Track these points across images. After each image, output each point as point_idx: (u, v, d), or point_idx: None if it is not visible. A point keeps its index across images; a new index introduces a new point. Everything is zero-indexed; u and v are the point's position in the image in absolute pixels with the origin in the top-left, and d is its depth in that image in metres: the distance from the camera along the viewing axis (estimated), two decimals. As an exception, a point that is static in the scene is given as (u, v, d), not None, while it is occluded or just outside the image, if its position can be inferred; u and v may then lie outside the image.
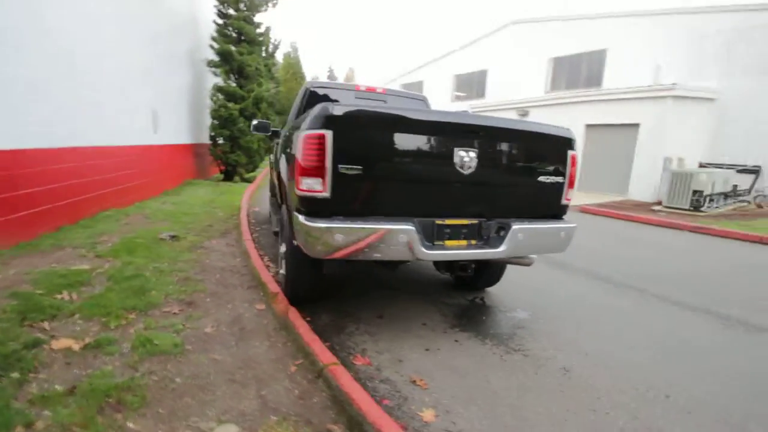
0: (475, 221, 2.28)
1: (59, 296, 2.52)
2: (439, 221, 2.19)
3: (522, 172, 2.35)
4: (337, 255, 1.95)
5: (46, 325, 2.14)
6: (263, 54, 10.47)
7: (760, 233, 6.64)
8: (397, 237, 2.01)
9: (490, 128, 2.22)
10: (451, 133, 2.14)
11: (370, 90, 4.00)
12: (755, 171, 11.61)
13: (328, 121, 1.92)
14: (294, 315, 2.43)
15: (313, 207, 2.01)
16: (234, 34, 9.12)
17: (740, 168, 11.38)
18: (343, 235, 1.93)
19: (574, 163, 2.46)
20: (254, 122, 5.22)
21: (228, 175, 9.87)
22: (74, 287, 2.69)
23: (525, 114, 16.22)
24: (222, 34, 8.95)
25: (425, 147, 2.11)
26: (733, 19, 12.06)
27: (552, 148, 2.39)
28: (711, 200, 9.46)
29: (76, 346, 1.96)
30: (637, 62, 14.28)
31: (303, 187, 2.00)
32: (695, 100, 11.77)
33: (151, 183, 6.76)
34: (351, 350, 2.28)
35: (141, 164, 6.32)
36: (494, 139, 2.23)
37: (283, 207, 2.84)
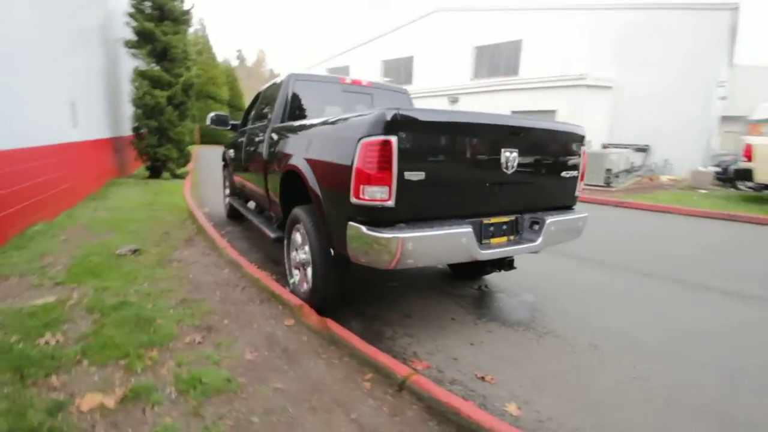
0: (512, 218, 2.39)
1: (44, 341, 2.07)
2: (485, 221, 2.24)
3: (551, 168, 2.50)
4: (404, 264, 1.90)
5: (54, 380, 1.75)
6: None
7: (664, 204, 8.03)
8: (460, 240, 2.01)
9: (529, 128, 2.31)
10: (500, 134, 2.19)
11: (356, 83, 3.85)
12: (645, 149, 13.71)
13: (393, 126, 1.82)
14: (336, 327, 2.31)
15: (376, 216, 1.92)
16: (153, 11, 7.98)
17: (635, 147, 13.33)
18: (413, 244, 1.87)
19: (584, 158, 2.69)
20: (212, 115, 4.73)
21: (155, 172, 8.79)
22: (54, 327, 2.22)
23: (455, 101, 16.97)
24: (139, 9, 7.77)
25: (479, 149, 2.13)
26: (623, 17, 13.84)
27: (571, 145, 2.58)
28: (617, 177, 10.98)
29: (110, 402, 1.64)
30: (548, 53, 15.73)
31: (365, 195, 1.88)
32: (599, 89, 13.41)
33: (74, 187, 5.75)
34: (403, 355, 2.26)
35: (62, 166, 5.32)
36: (531, 138, 2.33)
37: (298, 212, 2.64)
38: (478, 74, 18.40)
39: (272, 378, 1.93)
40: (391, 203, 1.87)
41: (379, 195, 1.86)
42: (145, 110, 7.78)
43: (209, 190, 8.29)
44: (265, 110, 4.10)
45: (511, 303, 3.11)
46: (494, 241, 2.29)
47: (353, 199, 1.94)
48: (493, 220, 2.29)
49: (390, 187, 1.85)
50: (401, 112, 1.84)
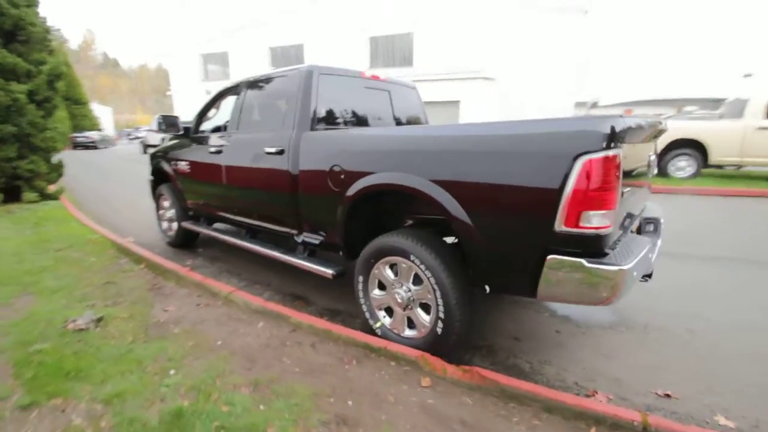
0: (637, 222, 2.32)
1: None
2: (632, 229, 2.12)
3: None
4: (619, 299, 1.63)
5: None
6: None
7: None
8: (649, 257, 1.84)
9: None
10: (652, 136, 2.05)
11: (375, 78, 3.30)
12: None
13: (614, 137, 1.51)
14: (495, 375, 1.91)
15: (592, 246, 1.59)
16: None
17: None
18: (634, 273, 1.61)
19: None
20: (158, 117, 3.60)
21: (13, 194, 6.42)
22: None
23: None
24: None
25: (644, 155, 1.96)
26: (504, 13, 15.41)
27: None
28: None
29: None
30: (439, 47, 16.63)
31: (585, 223, 1.54)
32: (491, 81, 14.77)
33: None
34: (574, 390, 2.00)
35: None
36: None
37: (405, 243, 2.10)
38: (374, 65, 18.43)
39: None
40: (610, 229, 1.57)
41: (600, 221, 1.54)
42: (-6, 110, 5.54)
43: (108, 211, 6.49)
44: (266, 112, 3.25)
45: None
46: None
47: (561, 228, 1.57)
48: (634, 227, 2.18)
49: (614, 210, 1.55)
50: (621, 119, 1.54)
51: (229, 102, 3.71)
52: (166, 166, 4.24)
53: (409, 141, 2.04)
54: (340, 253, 2.65)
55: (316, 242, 2.79)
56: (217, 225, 4.14)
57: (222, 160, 3.37)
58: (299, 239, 2.88)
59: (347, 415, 1.75)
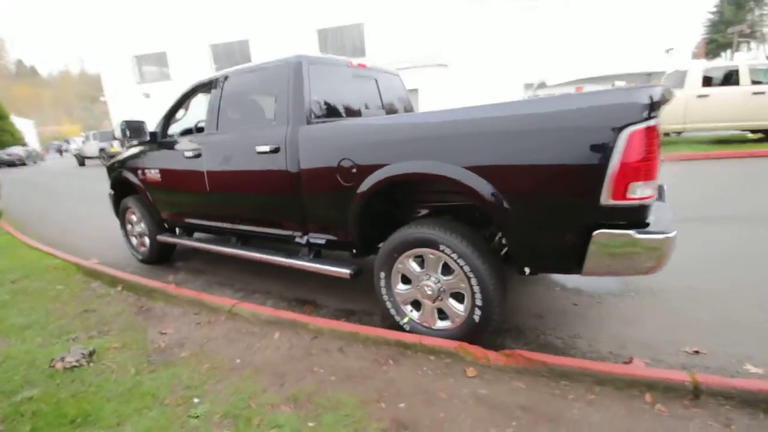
0: None
1: None
2: None
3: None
4: (663, 265, 1.66)
5: None
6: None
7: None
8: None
9: None
10: None
11: (362, 66, 3.15)
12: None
13: (653, 107, 1.51)
14: (539, 356, 1.90)
15: (637, 217, 1.59)
16: None
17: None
18: (675, 241, 1.64)
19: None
20: (122, 123, 3.26)
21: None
22: None
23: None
24: None
25: None
26: (453, 3, 15.56)
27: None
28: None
29: None
30: (390, 35, 16.54)
31: (632, 194, 1.54)
32: (445, 67, 14.94)
33: None
34: (606, 359, 2.04)
35: None
36: None
37: (435, 233, 2.02)
38: (326, 57, 17.98)
39: (576, 452, 1.45)
40: (653, 199, 1.59)
41: (644, 191, 1.55)
42: None
43: (57, 232, 5.86)
44: (249, 109, 3.01)
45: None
46: None
47: (608, 201, 1.56)
48: None
49: (656, 180, 1.56)
50: (653, 90, 1.54)
51: (200, 101, 3.42)
52: (131, 177, 3.85)
53: (434, 127, 1.94)
54: (353, 251, 2.53)
55: (322, 242, 2.65)
56: (197, 234, 3.85)
57: (203, 165, 3.10)
58: (302, 240, 2.71)
59: (404, 419, 1.66)
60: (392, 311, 2.32)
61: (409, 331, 2.25)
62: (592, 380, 1.79)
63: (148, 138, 3.46)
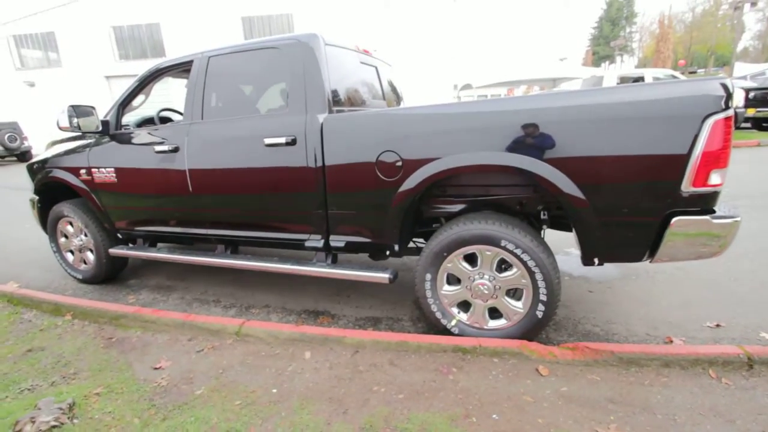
0: None
1: None
2: None
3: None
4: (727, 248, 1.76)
5: None
6: None
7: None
8: None
9: None
10: None
11: (366, 52, 2.91)
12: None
13: (730, 97, 1.58)
14: (603, 345, 1.91)
15: (710, 203, 1.66)
16: None
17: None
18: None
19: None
20: (68, 109, 2.65)
21: None
22: None
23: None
24: None
25: None
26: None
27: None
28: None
29: None
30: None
31: (712, 181, 1.59)
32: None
33: None
34: (646, 340, 2.13)
35: None
36: None
37: (497, 231, 1.92)
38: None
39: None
40: (722, 186, 1.67)
41: (719, 178, 1.62)
42: None
43: None
44: (247, 95, 2.61)
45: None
46: None
47: (689, 189, 1.60)
48: None
49: (728, 167, 1.64)
50: (727, 81, 1.61)
51: (169, 86, 2.88)
52: (69, 179, 3.11)
53: (505, 116, 1.82)
54: (387, 253, 2.32)
55: (341, 245, 2.39)
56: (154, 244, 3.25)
57: (183, 162, 2.61)
58: (318, 244, 2.42)
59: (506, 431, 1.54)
60: (438, 314, 2.17)
61: (458, 335, 2.13)
62: (659, 363, 1.85)
63: (99, 128, 2.81)
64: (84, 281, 3.38)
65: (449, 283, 2.15)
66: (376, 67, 3.05)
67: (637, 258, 1.83)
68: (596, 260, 1.88)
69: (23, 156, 13.86)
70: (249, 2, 16.05)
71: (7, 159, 14.40)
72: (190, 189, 2.62)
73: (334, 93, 2.33)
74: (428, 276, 2.13)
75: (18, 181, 8.93)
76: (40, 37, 16.91)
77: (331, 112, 2.25)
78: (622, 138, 1.65)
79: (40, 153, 3.53)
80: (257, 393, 1.85)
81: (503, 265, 2.02)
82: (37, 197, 3.39)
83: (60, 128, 2.65)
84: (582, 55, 57.02)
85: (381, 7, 15.53)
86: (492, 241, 1.94)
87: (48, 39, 16.91)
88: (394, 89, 3.38)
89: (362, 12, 15.66)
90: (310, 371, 1.99)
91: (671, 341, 2.12)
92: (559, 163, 1.73)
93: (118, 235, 3.15)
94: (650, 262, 1.81)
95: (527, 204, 2.19)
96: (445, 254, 2.07)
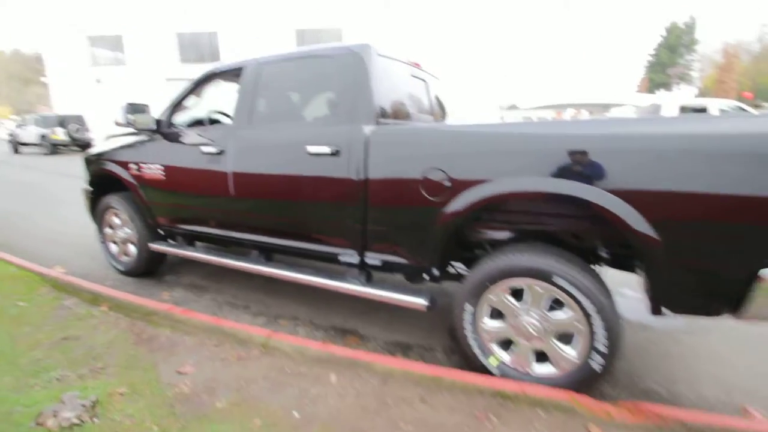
0: None
1: None
2: None
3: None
4: None
5: None
6: None
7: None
8: None
9: None
10: None
11: (416, 65, 2.85)
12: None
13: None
14: (668, 411, 1.66)
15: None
16: None
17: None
18: None
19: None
20: (125, 106, 2.73)
21: None
22: None
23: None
24: None
25: None
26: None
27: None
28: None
29: None
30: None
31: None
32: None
33: None
34: (717, 408, 1.85)
35: None
36: None
37: (551, 265, 1.74)
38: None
39: None
40: None
41: None
42: None
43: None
44: (296, 103, 2.60)
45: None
46: None
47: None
48: None
49: None
50: None
51: (223, 89, 2.93)
52: (120, 172, 3.22)
53: (573, 140, 1.66)
54: (425, 276, 2.18)
55: (378, 263, 2.27)
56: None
57: (227, 165, 2.61)
58: (353, 260, 2.32)
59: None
60: (476, 350, 2.00)
61: (499, 376, 1.94)
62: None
63: (152, 126, 2.88)
64: (124, 273, 3.46)
65: (491, 317, 1.97)
66: (425, 81, 2.96)
67: (715, 312, 1.59)
68: (663, 309, 1.65)
69: (86, 147, 14.94)
70: (302, 16, 16.66)
71: (71, 148, 15.57)
72: (232, 192, 2.61)
73: (382, 105, 2.25)
74: (468, 306, 1.97)
75: (78, 170, 9.61)
76: (110, 39, 18.35)
77: (378, 124, 2.17)
78: (713, 174, 1.44)
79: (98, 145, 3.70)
80: (278, 414, 1.75)
81: (555, 305, 1.82)
82: (90, 188, 3.53)
83: (116, 124, 2.74)
84: (636, 81, 54.93)
85: (429, 23, 15.63)
86: (543, 276, 1.76)
87: (116, 41, 18.31)
88: (440, 104, 3.27)
89: (410, 28, 15.82)
90: (335, 397, 1.87)
91: (747, 413, 1.82)
92: (631, 197, 1.54)
93: (159, 230, 3.21)
94: (733, 319, 1.55)
95: (584, 237, 1.99)
96: (488, 284, 1.90)
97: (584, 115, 18.98)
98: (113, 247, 3.52)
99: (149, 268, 3.40)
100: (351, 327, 2.64)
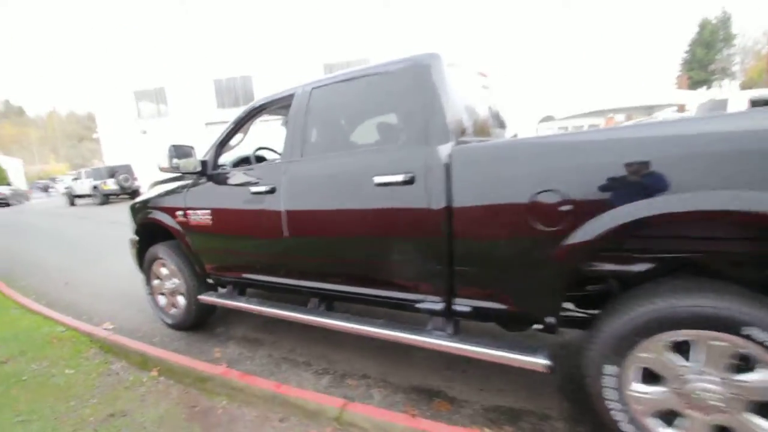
0: None
1: None
2: None
3: None
4: None
5: None
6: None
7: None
8: None
9: None
10: None
11: (484, 75, 2.50)
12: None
13: None
14: None
15: None
16: None
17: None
18: None
19: None
20: (170, 148, 2.50)
21: None
22: None
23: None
24: None
25: None
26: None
27: None
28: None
29: None
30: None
31: None
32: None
33: None
34: None
35: None
36: None
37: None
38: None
39: None
40: None
41: None
42: None
43: (52, 286, 4.85)
44: (354, 129, 2.29)
45: None
46: None
47: None
48: None
49: None
50: None
51: (264, 123, 2.68)
52: (165, 219, 3.01)
53: (742, 138, 1.21)
54: (533, 327, 1.72)
55: (467, 311, 1.84)
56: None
57: (280, 203, 2.31)
58: (436, 307, 1.90)
59: None
60: (624, 425, 1.49)
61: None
62: None
63: (197, 168, 2.67)
64: (173, 326, 3.21)
65: (645, 380, 1.47)
66: (489, 89, 2.59)
67: None
68: None
69: (134, 194, 15.68)
70: (330, 50, 17.11)
71: (121, 197, 16.39)
72: (286, 233, 2.29)
73: (459, 121, 1.88)
74: (609, 368, 1.48)
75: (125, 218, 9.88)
76: (153, 92, 19.59)
77: (456, 143, 1.79)
78: None
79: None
80: None
81: (743, 363, 1.31)
82: (136, 237, 3.36)
83: (161, 169, 2.54)
84: (672, 80, 52.46)
85: (455, 45, 15.55)
86: (727, 326, 1.26)
87: (159, 93, 19.51)
88: (504, 113, 2.88)
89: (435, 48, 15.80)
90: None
91: None
92: None
93: (209, 280, 2.94)
94: None
95: (750, 264, 1.48)
96: (637, 338, 1.42)
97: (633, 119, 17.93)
98: (161, 300, 3.29)
99: (199, 321, 3.12)
100: (435, 387, 2.18)
